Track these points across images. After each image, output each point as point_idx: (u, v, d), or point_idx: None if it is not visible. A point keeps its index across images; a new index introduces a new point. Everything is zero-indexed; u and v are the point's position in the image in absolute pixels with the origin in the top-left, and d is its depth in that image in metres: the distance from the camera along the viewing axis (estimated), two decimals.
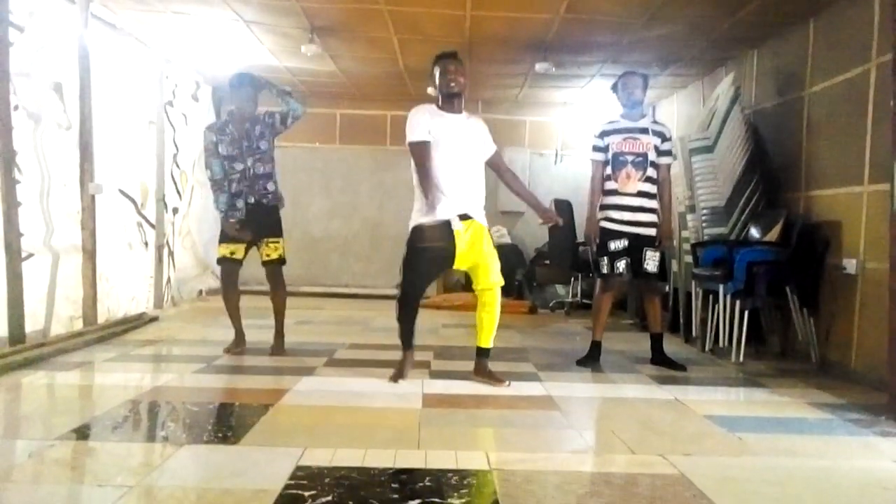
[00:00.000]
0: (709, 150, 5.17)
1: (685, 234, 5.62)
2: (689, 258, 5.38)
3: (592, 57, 6.21)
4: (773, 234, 4.73)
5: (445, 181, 3.56)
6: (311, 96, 8.40)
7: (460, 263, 3.66)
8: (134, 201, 6.10)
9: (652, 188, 4.28)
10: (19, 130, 4.30)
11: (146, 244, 6.34)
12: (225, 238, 4.39)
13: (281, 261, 4.48)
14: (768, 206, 5.04)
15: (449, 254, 3.57)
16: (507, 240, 8.40)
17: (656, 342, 4.44)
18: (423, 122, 3.59)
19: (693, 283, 5.24)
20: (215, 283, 7.60)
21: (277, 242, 4.45)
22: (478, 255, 3.65)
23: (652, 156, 4.25)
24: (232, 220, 4.31)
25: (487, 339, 3.75)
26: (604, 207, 4.36)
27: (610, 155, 4.30)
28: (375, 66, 6.86)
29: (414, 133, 3.59)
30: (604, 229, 4.32)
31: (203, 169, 4.47)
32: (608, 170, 4.32)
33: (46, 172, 4.64)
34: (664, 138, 4.31)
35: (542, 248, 8.08)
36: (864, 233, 4.12)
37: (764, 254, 4.56)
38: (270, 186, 4.41)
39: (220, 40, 6.04)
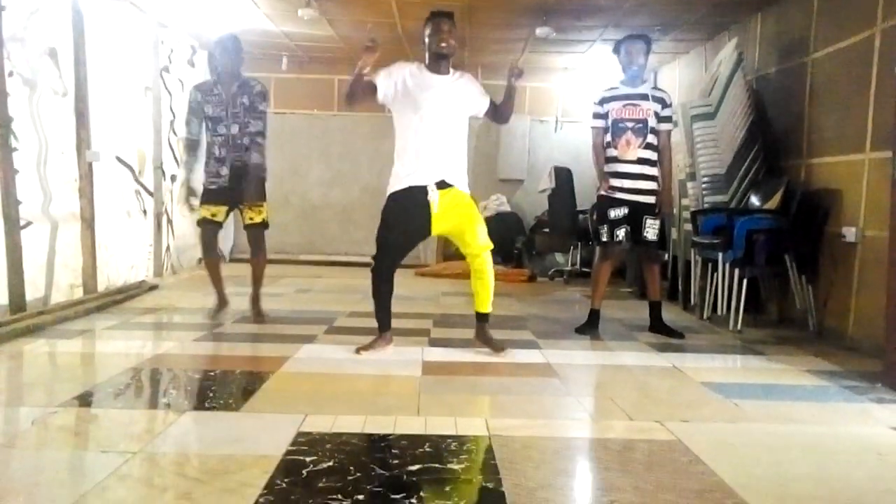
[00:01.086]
0: (710, 116, 5.13)
1: (685, 201, 5.60)
2: (688, 226, 5.37)
3: (593, 21, 6.12)
4: (774, 203, 4.72)
5: (424, 146, 3.48)
6: (309, 62, 8.32)
7: (438, 228, 3.58)
8: (131, 169, 6.06)
9: (652, 155, 4.25)
10: (15, 97, 4.25)
11: (144, 212, 6.32)
12: (206, 199, 4.37)
13: (264, 224, 4.47)
14: (769, 174, 5.02)
15: (424, 221, 3.50)
16: (506, 208, 8.38)
17: (655, 310, 4.46)
18: (398, 70, 3.51)
19: (692, 250, 5.24)
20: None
21: (261, 206, 4.43)
22: (459, 218, 3.56)
23: (652, 122, 4.22)
24: (213, 187, 4.32)
25: (484, 304, 3.70)
26: (604, 175, 4.34)
27: (609, 122, 4.28)
28: (374, 31, 6.77)
29: (380, 75, 3.50)
30: (604, 197, 4.31)
31: (184, 125, 4.46)
32: (608, 137, 4.29)
33: (44, 140, 4.60)
34: (664, 104, 4.27)
35: (542, 216, 8.06)
36: (864, 201, 4.11)
37: (764, 222, 4.55)
38: (256, 158, 4.34)
39: (216, 5, 5.94)
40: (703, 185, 5.22)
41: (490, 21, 6.28)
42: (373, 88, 3.49)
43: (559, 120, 8.70)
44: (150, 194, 6.44)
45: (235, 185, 4.32)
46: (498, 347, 3.69)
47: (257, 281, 4.55)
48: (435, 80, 3.54)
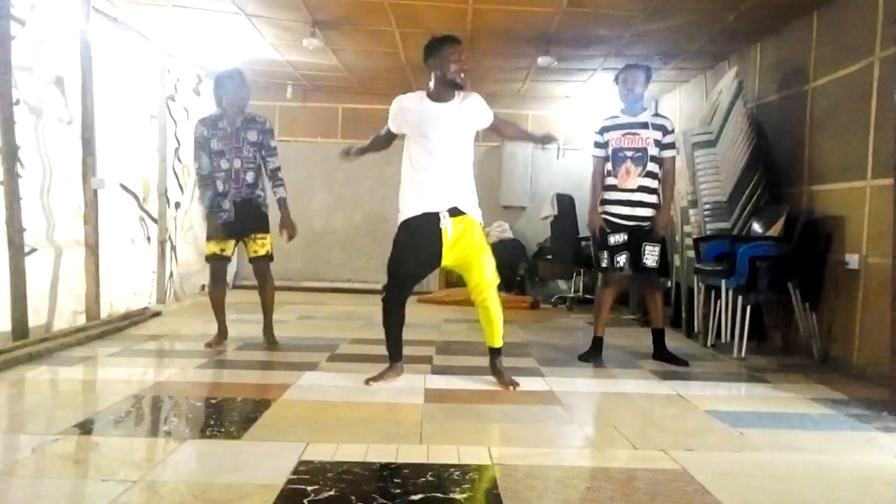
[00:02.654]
0: (711, 144, 5.16)
1: (687, 228, 5.61)
2: (691, 253, 5.38)
3: (595, 51, 6.19)
4: (776, 229, 4.72)
5: (435, 175, 3.42)
6: (313, 90, 8.41)
7: (448, 261, 3.48)
8: (136, 196, 6.10)
9: (652, 183, 4.28)
10: (21, 125, 4.30)
11: (148, 239, 6.35)
12: (213, 235, 4.40)
13: (269, 257, 4.50)
14: (771, 201, 5.04)
15: (435, 251, 3.42)
16: (509, 234, 8.40)
17: (658, 338, 4.44)
18: (401, 113, 3.52)
19: (695, 278, 5.23)
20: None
21: (265, 238, 4.46)
22: (468, 251, 3.47)
23: (652, 150, 4.24)
24: (219, 222, 4.34)
25: (494, 339, 3.62)
26: (604, 202, 4.37)
27: (609, 151, 4.31)
28: (377, 60, 6.85)
29: (390, 122, 3.60)
30: (604, 224, 4.33)
31: (194, 161, 4.50)
32: (608, 165, 4.32)
33: (48, 167, 4.64)
34: (665, 131, 4.28)
35: (545, 242, 8.07)
36: (866, 228, 4.11)
37: (766, 249, 4.55)
38: (259, 193, 4.41)
39: (222, 34, 6.03)
40: (706, 213, 5.23)
41: (493, 50, 6.36)
42: (389, 135, 3.64)
43: (561, 147, 8.75)
44: (154, 221, 6.48)
45: (239, 220, 4.36)
46: (506, 383, 3.56)
47: (268, 311, 4.58)
48: (440, 109, 3.45)
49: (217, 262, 4.46)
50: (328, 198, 8.74)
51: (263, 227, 4.45)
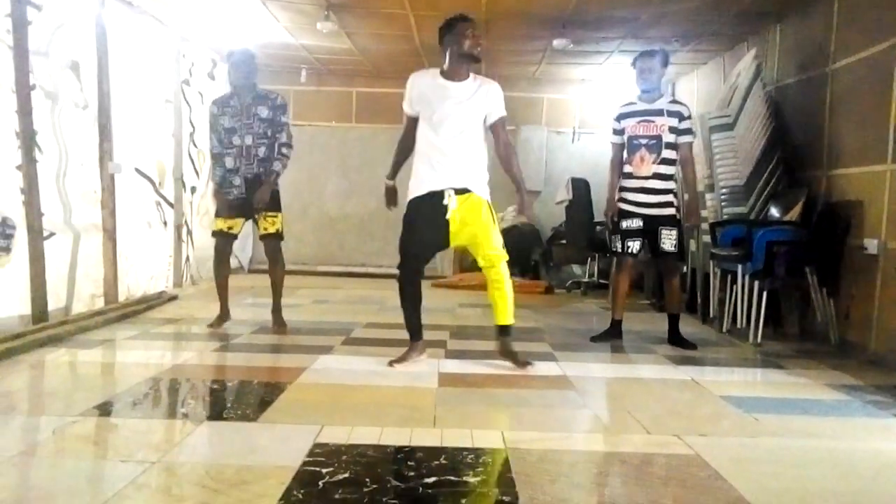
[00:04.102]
0: (729, 127, 5.10)
1: (704, 213, 5.56)
2: (707, 238, 5.34)
3: (611, 33, 6.12)
4: (794, 214, 4.67)
5: (441, 153, 3.45)
6: (328, 74, 8.39)
7: (456, 240, 3.53)
8: (152, 180, 6.14)
9: (668, 169, 4.25)
10: (37, 110, 4.33)
11: (165, 223, 6.39)
12: (221, 211, 4.42)
13: (279, 235, 4.49)
14: (789, 185, 4.98)
15: (442, 232, 3.46)
16: (523, 219, 8.36)
17: (673, 323, 4.43)
18: (415, 90, 3.53)
19: (711, 262, 5.20)
20: (233, 262, 7.67)
21: (276, 217, 4.45)
22: (474, 227, 3.48)
23: (668, 137, 4.21)
24: (228, 198, 4.36)
25: (504, 316, 3.60)
26: (619, 189, 4.37)
27: (625, 138, 4.29)
28: (391, 43, 6.82)
29: (405, 102, 3.61)
30: (618, 209, 4.34)
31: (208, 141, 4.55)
32: (625, 153, 4.32)
33: (64, 152, 4.68)
34: (681, 117, 4.25)
35: (559, 227, 8.04)
36: (886, 212, 4.06)
37: (784, 234, 4.51)
38: (276, 166, 4.39)
39: (236, 18, 6.03)
40: (722, 197, 5.19)
41: (507, 33, 6.31)
42: (410, 124, 3.60)
43: (576, 131, 8.69)
44: (171, 206, 6.52)
45: (250, 196, 4.35)
46: (521, 362, 3.60)
47: (277, 291, 4.58)
48: (452, 87, 3.48)
49: (222, 239, 4.47)
50: (343, 182, 8.75)
51: (274, 205, 4.45)
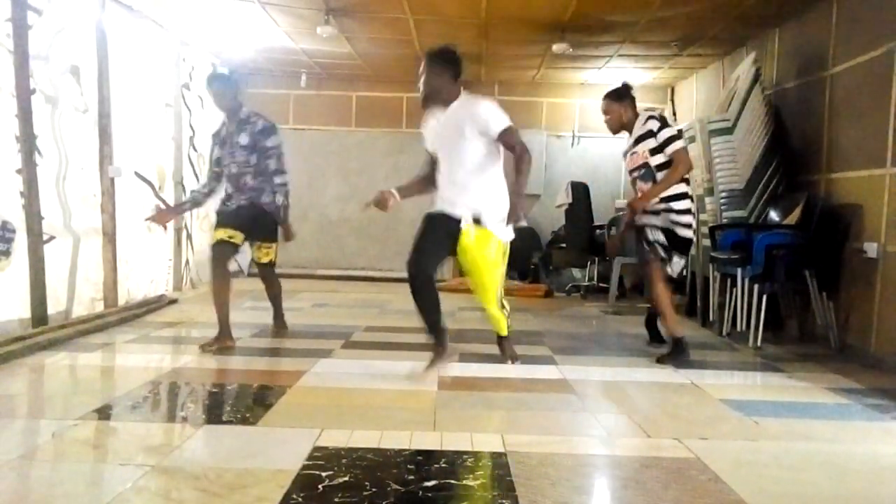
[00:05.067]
0: (728, 131, 5.11)
1: (703, 216, 5.57)
2: (707, 241, 5.34)
3: (610, 37, 6.14)
4: (793, 218, 4.68)
5: (448, 182, 3.46)
6: (328, 78, 8.41)
7: (462, 256, 3.51)
8: (152, 184, 6.15)
9: (671, 190, 4.05)
10: (37, 114, 4.33)
11: (165, 227, 6.39)
12: (222, 222, 4.24)
13: (272, 264, 4.53)
14: (788, 189, 4.99)
15: (454, 234, 3.41)
16: (522, 223, 8.34)
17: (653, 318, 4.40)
18: (425, 127, 3.61)
19: (711, 266, 5.20)
20: (233, 266, 7.67)
21: (270, 248, 4.45)
22: (478, 263, 3.49)
23: (655, 160, 3.99)
24: (227, 210, 4.24)
25: (499, 329, 3.82)
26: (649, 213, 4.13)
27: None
28: (391, 48, 6.83)
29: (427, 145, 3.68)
30: (683, 237, 4.07)
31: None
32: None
33: (64, 156, 4.68)
34: (652, 133, 3.98)
35: (559, 231, 8.05)
36: (885, 216, 4.06)
37: (783, 237, 4.51)
38: (265, 199, 4.21)
39: (236, 22, 6.04)
40: (722, 200, 5.19)
41: (507, 38, 6.32)
42: (430, 157, 3.62)
43: (576, 135, 8.70)
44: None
45: (246, 219, 4.17)
46: (511, 357, 3.81)
47: (277, 304, 4.67)
48: (439, 116, 3.52)
49: (222, 248, 4.12)
50: (343, 186, 8.75)
51: (271, 236, 4.37)
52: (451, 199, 3.44)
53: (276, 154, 4.19)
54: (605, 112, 4.18)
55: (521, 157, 3.46)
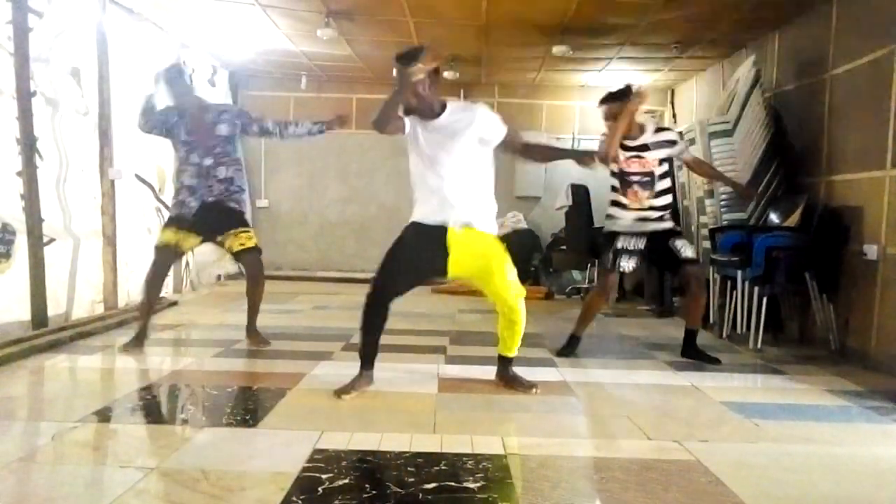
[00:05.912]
0: (728, 134, 5.11)
1: (703, 219, 5.57)
2: (707, 243, 5.34)
3: (610, 39, 6.14)
4: (793, 220, 4.68)
5: (432, 189, 3.14)
6: (328, 81, 8.41)
7: (458, 269, 3.17)
8: (152, 187, 6.15)
9: (663, 200, 4.09)
10: (38, 116, 4.34)
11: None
12: (174, 222, 4.02)
13: (258, 249, 4.14)
14: (788, 191, 4.99)
15: (439, 257, 3.11)
16: (523, 225, 8.37)
17: (691, 337, 4.21)
18: (410, 123, 3.16)
19: (711, 268, 5.20)
20: (233, 268, 7.66)
21: (248, 231, 4.08)
22: (482, 260, 3.16)
23: (660, 170, 4.03)
24: (182, 212, 3.98)
25: (508, 349, 3.37)
26: (610, 217, 4.17)
27: (617, 169, 4.09)
28: (391, 50, 6.73)
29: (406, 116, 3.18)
30: (612, 232, 4.12)
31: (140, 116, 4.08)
32: (616, 181, 4.11)
33: (64, 158, 4.68)
34: (672, 143, 4.05)
35: (559, 233, 8.05)
36: (885, 218, 4.06)
37: (783, 239, 4.51)
38: (234, 189, 4.04)
39: (237, 25, 6.04)
40: (722, 203, 5.19)
41: (507, 40, 6.32)
42: (402, 122, 3.16)
43: (576, 137, 8.70)
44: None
45: (208, 219, 3.98)
46: (527, 386, 3.34)
47: (254, 309, 4.22)
48: (425, 126, 3.15)
49: (165, 255, 4.00)
50: (343, 188, 8.75)
51: (243, 223, 4.10)
52: (441, 209, 3.13)
53: (263, 119, 4.13)
54: (608, 118, 4.01)
55: (528, 145, 3.42)
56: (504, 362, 3.42)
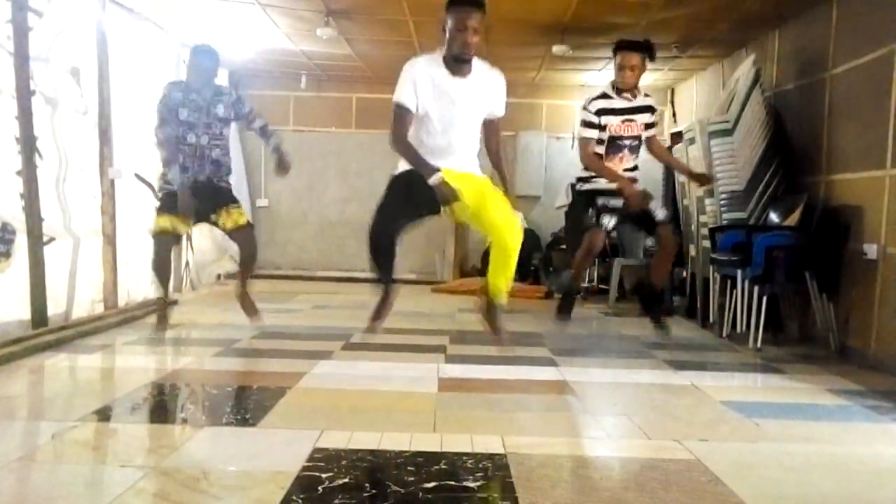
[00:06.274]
0: (728, 133, 5.11)
1: (703, 218, 5.57)
2: (707, 243, 5.34)
3: (610, 39, 6.09)
4: (793, 219, 4.68)
5: (436, 148, 3.15)
6: (328, 80, 8.41)
7: (459, 208, 3.10)
8: (152, 186, 6.14)
9: (637, 161, 4.30)
10: (37, 116, 4.33)
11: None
12: (166, 207, 4.13)
13: (251, 224, 4.34)
14: (788, 191, 4.99)
15: (432, 195, 3.05)
16: (523, 224, 8.36)
17: (652, 290, 4.35)
18: (415, 81, 3.10)
19: (711, 268, 5.20)
20: (233, 267, 7.66)
21: (239, 207, 4.28)
22: (474, 194, 3.12)
23: (645, 134, 4.27)
24: (175, 193, 4.04)
25: (498, 289, 3.31)
26: (590, 180, 4.29)
27: (606, 136, 4.17)
28: (391, 49, 6.83)
29: (399, 92, 3.12)
30: (592, 191, 4.24)
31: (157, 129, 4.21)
32: (600, 149, 4.19)
33: (63, 157, 4.68)
34: (653, 111, 4.29)
35: (559, 232, 8.05)
36: (885, 217, 4.06)
37: (783, 239, 4.51)
38: (224, 171, 4.25)
39: (236, 24, 6.04)
40: (722, 202, 5.19)
41: (507, 39, 6.32)
42: (412, 116, 3.16)
43: (575, 137, 8.70)
44: None
45: (199, 197, 4.11)
46: (498, 333, 3.40)
47: (246, 271, 4.41)
48: (454, 85, 3.13)
49: (164, 240, 4.19)
50: (343, 188, 8.75)
51: (233, 198, 4.29)
52: (443, 158, 3.14)
53: (256, 113, 4.33)
54: (635, 67, 4.08)
55: (500, 151, 3.55)
56: (492, 304, 3.42)
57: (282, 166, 4.27)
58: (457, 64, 3.13)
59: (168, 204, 4.12)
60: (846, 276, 4.41)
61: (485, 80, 3.24)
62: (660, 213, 4.22)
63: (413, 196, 3.14)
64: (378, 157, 8.60)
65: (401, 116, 3.14)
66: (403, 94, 3.13)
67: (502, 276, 3.32)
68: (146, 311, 5.30)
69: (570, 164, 8.63)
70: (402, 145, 3.15)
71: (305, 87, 8.31)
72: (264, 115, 4.36)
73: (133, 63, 5.71)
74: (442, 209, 3.12)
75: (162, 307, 4.40)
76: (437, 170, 3.06)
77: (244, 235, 4.31)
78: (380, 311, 3.43)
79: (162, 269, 4.29)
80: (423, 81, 3.13)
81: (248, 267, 4.45)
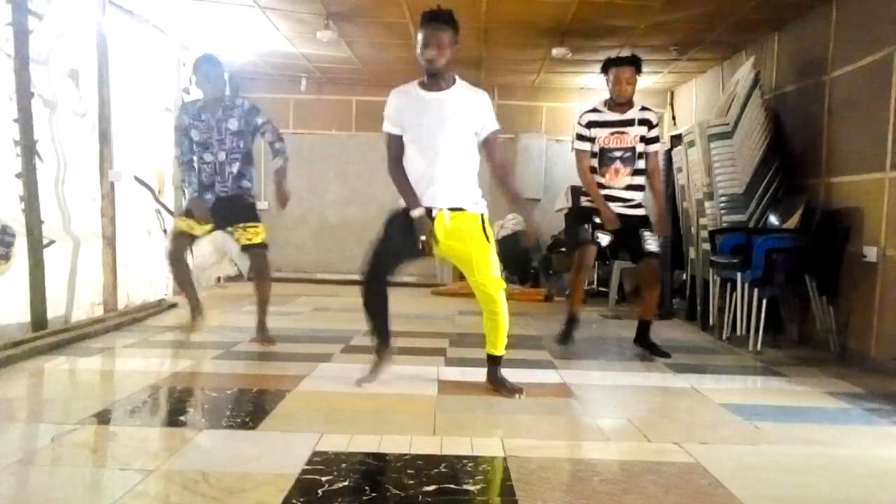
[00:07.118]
0: (728, 135, 5.11)
1: (703, 221, 5.57)
2: (706, 245, 5.34)
3: (610, 41, 6.14)
4: (793, 222, 4.68)
5: (426, 171, 3.13)
6: (328, 83, 8.42)
7: (442, 250, 3.19)
8: (151, 189, 6.15)
9: (640, 180, 4.23)
10: (36, 118, 4.33)
11: (165, 231, 6.39)
12: (188, 213, 4.18)
13: (265, 245, 4.28)
14: (788, 193, 4.99)
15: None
16: (522, 227, 8.37)
17: (644, 328, 4.34)
18: (396, 108, 3.16)
19: (711, 270, 5.20)
20: (233, 270, 7.68)
21: (256, 227, 4.23)
22: (464, 244, 3.15)
23: (640, 147, 4.18)
24: (206, 206, 4.12)
25: (493, 345, 3.29)
26: (587, 195, 4.32)
27: (597, 149, 4.21)
28: (391, 52, 6.84)
29: (385, 122, 3.21)
30: (589, 208, 4.25)
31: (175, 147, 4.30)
32: (594, 162, 4.23)
33: (62, 160, 4.68)
34: (650, 125, 4.20)
35: (559, 235, 8.04)
36: (885, 220, 4.06)
37: (783, 241, 4.52)
38: (245, 185, 4.22)
39: (236, 27, 6.05)
40: (722, 205, 5.19)
41: (507, 41, 6.33)
42: (399, 140, 3.20)
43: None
44: (171, 213, 6.52)
45: (222, 211, 4.15)
46: (513, 391, 3.25)
47: (263, 308, 4.35)
48: (430, 99, 3.11)
49: (178, 240, 4.19)
50: (343, 190, 8.76)
51: (253, 216, 4.25)
52: (438, 194, 3.14)
53: (270, 127, 4.27)
54: (630, 82, 4.14)
55: (505, 162, 3.43)
56: (492, 362, 3.35)
57: (280, 197, 4.25)
58: (429, 79, 3.14)
59: (191, 210, 4.19)
60: (846, 279, 4.41)
61: (464, 97, 3.15)
62: (652, 243, 4.15)
63: (405, 233, 3.16)
64: (378, 160, 8.58)
65: (388, 143, 3.23)
66: (386, 120, 3.22)
67: (494, 335, 3.29)
68: (146, 313, 5.30)
69: (569, 166, 8.60)
70: (392, 173, 3.25)
71: (305, 90, 8.33)
72: (277, 130, 4.29)
73: (133, 66, 5.71)
74: (423, 248, 3.14)
75: (195, 306, 4.38)
76: (420, 206, 3.12)
77: (255, 255, 4.29)
78: (373, 372, 3.40)
79: (175, 258, 4.26)
80: (401, 104, 3.18)
81: (259, 292, 4.34)
